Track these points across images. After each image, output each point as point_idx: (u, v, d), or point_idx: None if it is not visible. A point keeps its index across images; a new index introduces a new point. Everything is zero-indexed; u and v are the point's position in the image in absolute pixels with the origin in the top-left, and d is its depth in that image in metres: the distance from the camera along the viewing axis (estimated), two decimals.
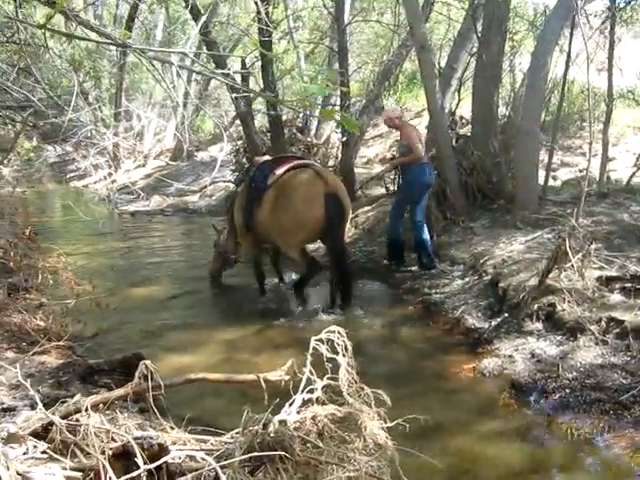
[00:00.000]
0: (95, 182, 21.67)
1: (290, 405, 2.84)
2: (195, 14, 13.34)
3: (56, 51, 9.22)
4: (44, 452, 2.32)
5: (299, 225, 7.13)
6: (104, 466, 2.16)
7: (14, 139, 7.66)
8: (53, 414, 2.62)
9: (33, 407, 4.08)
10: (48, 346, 5.37)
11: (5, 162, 13.87)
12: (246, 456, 2.39)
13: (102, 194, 16.58)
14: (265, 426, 2.57)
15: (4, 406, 4.12)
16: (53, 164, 27.28)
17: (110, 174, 20.44)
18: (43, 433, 2.52)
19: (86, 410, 2.56)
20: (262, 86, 15.61)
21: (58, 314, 6.37)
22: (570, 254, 5.81)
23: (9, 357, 5.20)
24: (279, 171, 7.45)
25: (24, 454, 2.27)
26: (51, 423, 2.51)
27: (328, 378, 2.99)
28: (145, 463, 2.30)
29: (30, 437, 2.37)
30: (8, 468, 1.90)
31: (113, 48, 23.07)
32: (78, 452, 2.40)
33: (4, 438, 2.29)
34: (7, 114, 8.54)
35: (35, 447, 2.36)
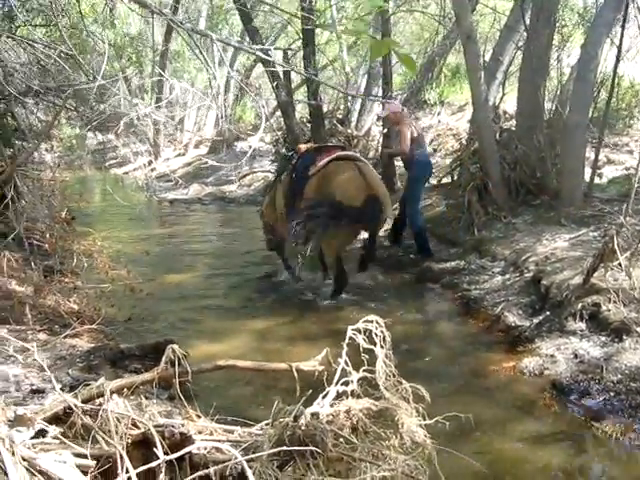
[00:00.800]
0: (135, 169, 21.81)
1: (323, 397, 2.70)
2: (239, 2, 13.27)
3: (98, 36, 9.16)
4: (56, 437, 2.21)
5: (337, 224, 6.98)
6: (121, 455, 2.06)
7: (51, 121, 7.64)
8: (76, 397, 2.52)
9: (63, 389, 4.04)
10: (80, 329, 5.33)
11: (48, 148, 13.98)
12: (275, 450, 2.26)
13: (141, 181, 16.67)
14: (296, 418, 2.43)
15: (33, 387, 4.07)
16: (94, 151, 27.49)
17: (150, 162, 20.52)
18: (64, 417, 2.43)
19: (109, 394, 2.46)
20: (303, 77, 15.52)
21: (92, 298, 6.35)
22: (618, 252, 5.58)
23: (41, 339, 5.17)
24: (321, 162, 7.32)
25: (32, 438, 2.17)
26: (71, 407, 2.41)
27: (364, 370, 2.84)
28: (166, 453, 2.18)
29: (41, 421, 2.26)
30: (13, 453, 1.80)
31: (156, 33, 23.18)
32: (99, 438, 2.30)
33: (11, 420, 2.19)
34: (49, 98, 8.54)
35: (44, 431, 2.25)
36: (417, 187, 9.06)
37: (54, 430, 2.24)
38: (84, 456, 2.14)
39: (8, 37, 7.51)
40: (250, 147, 15.60)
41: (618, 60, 8.95)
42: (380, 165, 12.09)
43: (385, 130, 12.15)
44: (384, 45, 2.08)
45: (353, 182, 7.03)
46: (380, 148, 13.29)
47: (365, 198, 6.88)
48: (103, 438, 2.28)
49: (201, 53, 4.61)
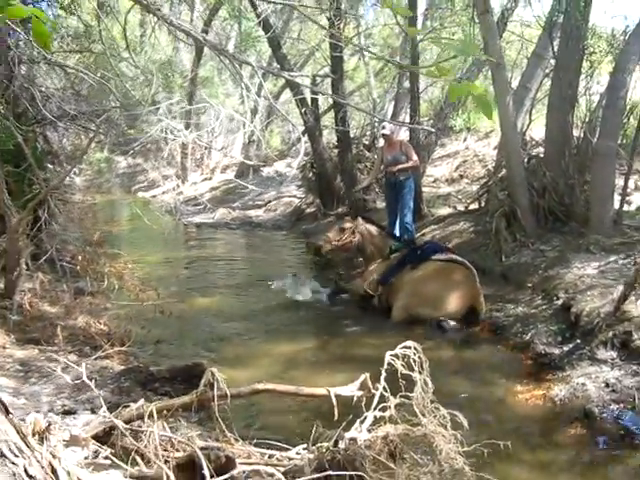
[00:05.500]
0: (163, 193, 22.01)
1: (361, 423, 2.69)
2: (267, 30, 13.45)
3: (130, 62, 9.33)
4: (106, 458, 2.23)
5: None
6: (168, 476, 2.06)
7: (86, 145, 7.77)
8: (116, 418, 2.54)
9: (94, 411, 4.06)
10: (111, 351, 5.37)
11: (77, 171, 14.17)
12: (317, 475, 2.26)
13: (169, 205, 16.82)
14: (336, 443, 2.43)
15: (65, 408, 4.11)
16: (122, 175, 27.87)
17: (177, 185, 20.71)
18: (104, 437, 2.44)
19: (150, 416, 2.47)
20: (331, 103, 15.60)
21: (122, 319, 6.40)
22: None
23: (71, 360, 5.20)
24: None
25: (86, 458, 2.19)
26: (113, 427, 2.43)
27: (401, 396, 2.84)
28: (212, 476, 2.18)
29: (95, 442, 2.28)
30: (68, 473, 1.82)
31: (184, 60, 23.46)
32: (139, 459, 2.31)
33: (66, 440, 2.22)
34: (81, 123, 8.69)
35: (97, 452, 2.28)
36: (413, 198, 9.64)
37: (105, 451, 2.26)
38: (134, 477, 2.15)
39: (44, 63, 7.65)
40: (276, 172, 15.77)
41: None
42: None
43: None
44: (463, 89, 2.09)
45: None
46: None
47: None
48: (144, 459, 2.29)
49: (241, 79, 4.64)
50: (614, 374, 5.31)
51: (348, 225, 8.53)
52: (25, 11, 1.82)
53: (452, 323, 7.27)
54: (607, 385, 5.16)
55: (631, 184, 10.73)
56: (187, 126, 18.49)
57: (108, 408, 3.35)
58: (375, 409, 2.79)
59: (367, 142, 16.00)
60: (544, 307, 7.17)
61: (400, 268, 7.98)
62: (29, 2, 8.24)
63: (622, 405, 4.84)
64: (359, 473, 2.24)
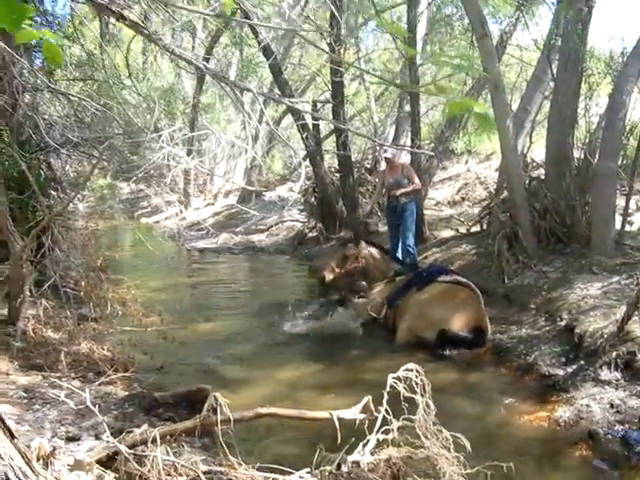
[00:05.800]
0: (165, 218, 22.10)
1: (364, 446, 2.70)
2: (268, 56, 13.58)
3: (132, 89, 9.43)
4: None
5: None
6: None
7: (90, 172, 7.83)
8: (120, 443, 2.55)
9: (98, 437, 4.06)
10: (114, 377, 5.37)
11: (80, 197, 14.24)
12: None
13: (172, 230, 16.86)
14: (339, 466, 2.43)
15: (69, 435, 4.11)
16: (125, 201, 27.96)
17: (180, 211, 20.80)
18: (108, 462, 2.45)
19: (154, 441, 2.48)
20: (332, 128, 15.72)
21: (125, 345, 6.41)
22: None
23: (75, 386, 5.20)
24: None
25: None
26: (117, 452, 2.43)
27: (404, 419, 2.84)
28: None
29: (97, 465, 2.29)
30: None
31: (186, 86, 23.67)
32: None
33: (70, 465, 2.23)
34: (84, 150, 8.76)
35: (100, 477, 2.29)
36: (415, 222, 9.71)
37: (109, 475, 2.27)
38: None
39: (47, 91, 7.72)
40: (279, 197, 15.83)
41: None
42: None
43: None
44: (463, 105, 2.13)
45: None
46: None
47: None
48: None
49: (242, 106, 4.70)
50: (618, 395, 5.29)
51: (352, 252, 8.57)
52: (36, 34, 1.84)
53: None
54: (612, 406, 5.15)
55: (632, 204, 10.76)
56: (189, 152, 18.60)
57: (112, 434, 3.35)
58: (378, 432, 2.79)
59: (368, 166, 16.11)
60: (547, 328, 7.17)
61: (406, 290, 8.00)
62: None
63: (627, 426, 4.82)
64: None
